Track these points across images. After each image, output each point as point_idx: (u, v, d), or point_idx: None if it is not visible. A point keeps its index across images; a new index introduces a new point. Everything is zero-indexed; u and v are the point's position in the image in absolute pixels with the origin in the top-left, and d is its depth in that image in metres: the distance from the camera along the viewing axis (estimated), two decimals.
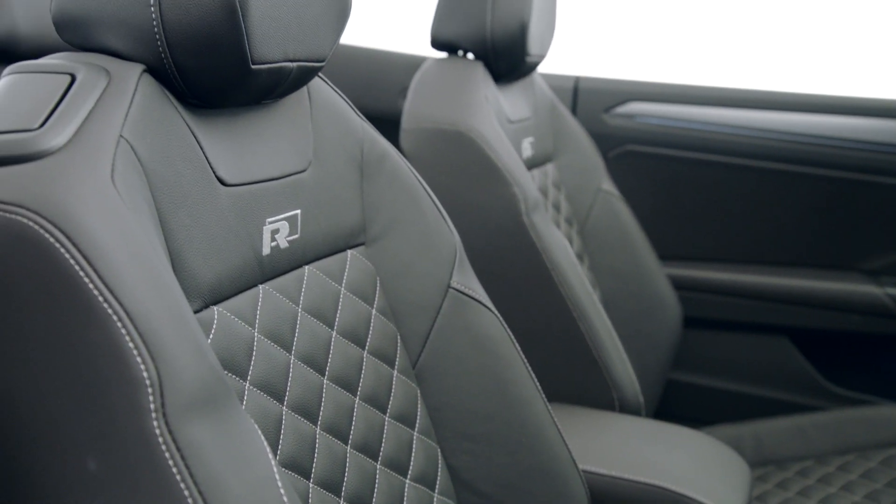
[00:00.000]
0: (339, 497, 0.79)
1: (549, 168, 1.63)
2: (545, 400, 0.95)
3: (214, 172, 0.72)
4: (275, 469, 0.61)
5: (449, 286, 0.92)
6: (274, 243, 0.78)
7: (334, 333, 0.84)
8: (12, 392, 0.57)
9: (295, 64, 0.75)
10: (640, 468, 1.15)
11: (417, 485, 0.88)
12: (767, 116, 1.82)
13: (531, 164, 1.55)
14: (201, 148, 0.72)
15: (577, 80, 1.93)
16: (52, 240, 0.56)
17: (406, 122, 1.39)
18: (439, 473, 0.90)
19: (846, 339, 1.79)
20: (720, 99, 1.86)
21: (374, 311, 0.89)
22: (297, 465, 0.75)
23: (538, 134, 1.59)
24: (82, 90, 0.65)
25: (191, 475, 0.55)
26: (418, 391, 0.91)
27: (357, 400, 0.85)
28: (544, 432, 0.94)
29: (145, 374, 0.55)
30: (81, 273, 0.56)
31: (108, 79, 0.66)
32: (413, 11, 1.96)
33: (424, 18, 1.51)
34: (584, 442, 1.16)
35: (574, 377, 1.35)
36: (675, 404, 1.85)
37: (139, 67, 0.69)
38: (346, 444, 0.82)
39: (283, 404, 0.76)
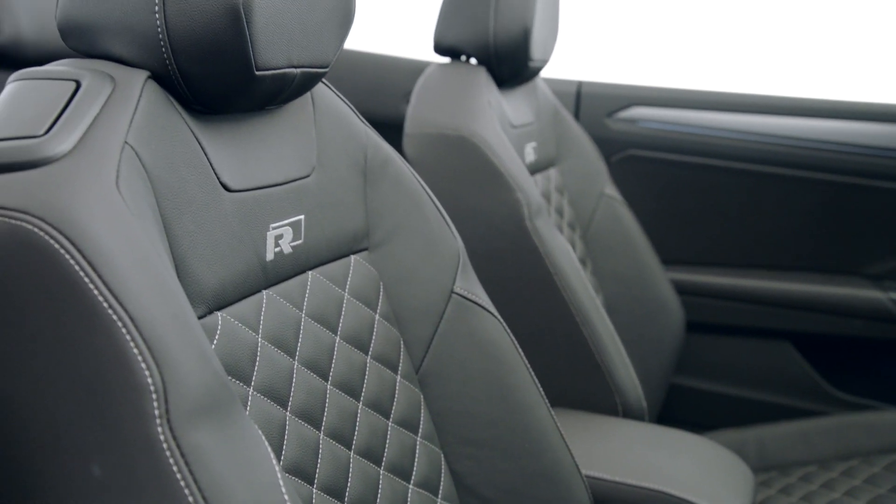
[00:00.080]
0: (343, 502, 0.79)
1: (552, 173, 1.63)
2: (548, 405, 0.95)
3: (218, 178, 0.72)
4: (278, 474, 0.61)
5: (452, 291, 0.92)
6: (277, 249, 0.79)
7: (338, 339, 0.84)
8: (17, 398, 0.57)
9: (299, 70, 0.75)
10: (644, 473, 1.15)
11: (421, 490, 0.88)
12: (770, 121, 1.82)
13: (534, 169, 1.55)
14: (205, 154, 0.72)
15: (580, 84, 1.93)
16: (56, 246, 0.56)
17: (409, 127, 1.39)
18: (442, 478, 0.91)
19: (849, 344, 1.79)
20: (723, 103, 1.86)
21: (377, 317, 0.89)
22: (301, 471, 0.75)
23: (541, 139, 1.60)
24: (87, 97, 0.65)
25: (195, 481, 0.55)
26: (421, 396, 0.91)
27: (360, 405, 0.85)
28: (547, 437, 0.94)
29: (150, 380, 0.55)
30: (86, 279, 0.56)
31: (113, 85, 0.67)
32: (416, 16, 1.96)
33: (428, 23, 1.52)
34: (588, 447, 1.16)
35: (577, 382, 1.35)
36: (678, 409, 1.84)
37: (144, 74, 0.69)
38: (350, 449, 0.82)
39: (286, 410, 0.76)
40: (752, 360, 1.84)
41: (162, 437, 0.55)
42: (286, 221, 0.80)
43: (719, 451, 1.29)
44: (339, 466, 0.80)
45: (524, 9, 1.43)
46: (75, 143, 0.61)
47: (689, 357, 1.83)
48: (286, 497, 0.60)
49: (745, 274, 1.85)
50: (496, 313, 0.94)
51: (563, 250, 1.36)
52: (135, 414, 0.55)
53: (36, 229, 0.57)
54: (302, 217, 0.82)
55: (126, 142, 0.64)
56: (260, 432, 0.63)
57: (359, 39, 1.96)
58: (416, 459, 0.89)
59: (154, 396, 0.55)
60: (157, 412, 0.55)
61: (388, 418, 0.87)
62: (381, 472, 0.85)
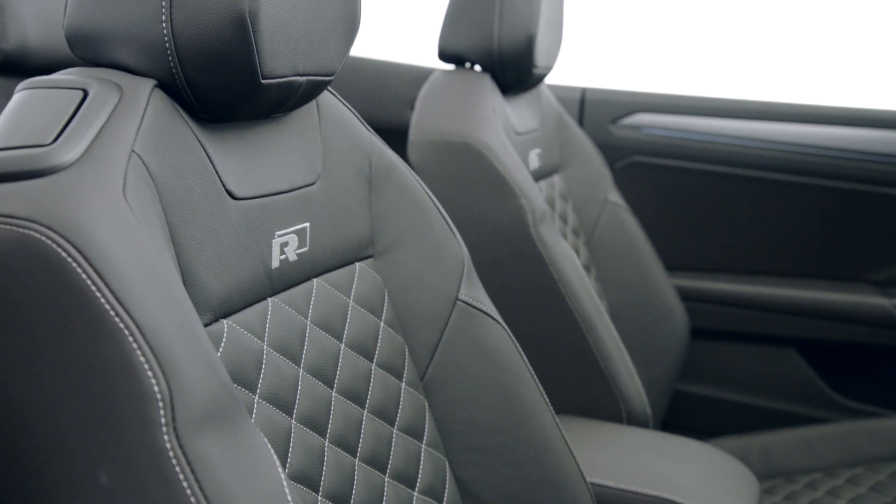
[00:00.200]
0: None
1: (556, 179, 1.63)
2: (553, 412, 0.95)
3: (224, 186, 0.73)
4: (284, 482, 0.61)
5: (457, 298, 0.92)
6: (283, 256, 0.79)
7: (343, 346, 0.84)
8: (24, 405, 0.58)
9: (304, 78, 0.76)
10: (648, 481, 1.15)
11: (425, 497, 0.88)
12: (775, 128, 1.82)
13: (538, 176, 1.55)
14: (211, 162, 0.72)
15: (584, 91, 1.94)
16: (64, 254, 0.56)
17: (414, 134, 1.39)
18: (447, 486, 0.91)
19: (854, 351, 1.79)
20: (727, 110, 1.86)
21: (382, 324, 0.90)
22: (306, 478, 0.75)
23: (545, 145, 1.60)
24: (94, 105, 0.65)
25: (201, 489, 0.55)
26: (426, 403, 0.91)
27: (365, 412, 0.85)
28: (552, 444, 0.94)
29: (156, 389, 0.55)
30: (93, 287, 0.56)
31: (120, 94, 0.67)
32: (421, 23, 1.97)
33: (432, 30, 1.52)
34: (592, 454, 1.16)
35: (581, 389, 1.35)
36: (683, 416, 1.84)
37: (150, 83, 0.69)
38: (355, 456, 0.82)
39: (291, 417, 0.76)
40: (757, 367, 1.84)
41: (168, 445, 0.55)
42: (292, 229, 0.80)
43: (724, 458, 1.29)
44: (344, 474, 0.80)
45: (528, 16, 1.43)
46: (82, 152, 0.62)
47: (693, 364, 1.83)
48: None
49: (750, 280, 1.85)
50: (501, 320, 0.95)
51: (567, 257, 1.36)
52: (141, 422, 0.55)
53: (43, 238, 0.57)
54: (307, 224, 0.82)
55: (133, 150, 0.64)
56: (265, 440, 0.63)
57: (364, 46, 1.96)
58: (421, 466, 0.89)
59: (160, 404, 0.55)
60: (163, 420, 0.55)
61: (392, 425, 0.87)
62: (386, 479, 0.85)
